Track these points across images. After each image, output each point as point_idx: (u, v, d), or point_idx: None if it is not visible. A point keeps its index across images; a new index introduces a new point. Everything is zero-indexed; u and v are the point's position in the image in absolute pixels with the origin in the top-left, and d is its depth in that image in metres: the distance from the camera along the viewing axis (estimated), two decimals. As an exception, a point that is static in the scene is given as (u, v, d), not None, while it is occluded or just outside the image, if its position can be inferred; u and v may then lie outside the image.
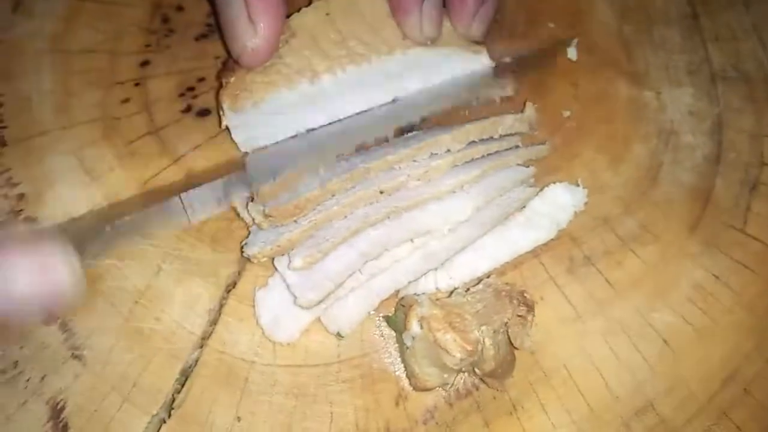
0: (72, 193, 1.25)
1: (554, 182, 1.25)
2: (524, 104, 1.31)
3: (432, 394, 1.14)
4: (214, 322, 1.17)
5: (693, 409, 1.14)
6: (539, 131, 1.35)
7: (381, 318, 1.18)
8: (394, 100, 1.29)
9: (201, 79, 1.36)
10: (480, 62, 1.33)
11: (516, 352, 1.12)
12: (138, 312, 1.16)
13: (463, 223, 1.20)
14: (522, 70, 1.39)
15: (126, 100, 1.34)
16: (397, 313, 1.13)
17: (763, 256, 1.25)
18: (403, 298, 1.14)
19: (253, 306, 1.16)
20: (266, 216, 1.13)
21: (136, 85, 1.35)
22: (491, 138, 1.26)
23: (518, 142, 1.30)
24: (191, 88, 1.36)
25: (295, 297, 1.11)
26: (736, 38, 1.46)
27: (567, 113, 1.37)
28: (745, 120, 1.37)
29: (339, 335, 1.15)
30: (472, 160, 1.22)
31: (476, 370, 1.06)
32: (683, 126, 1.36)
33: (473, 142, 1.22)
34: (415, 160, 1.18)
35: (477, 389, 1.14)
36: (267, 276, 1.18)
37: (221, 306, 1.17)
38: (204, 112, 1.32)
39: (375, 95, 1.28)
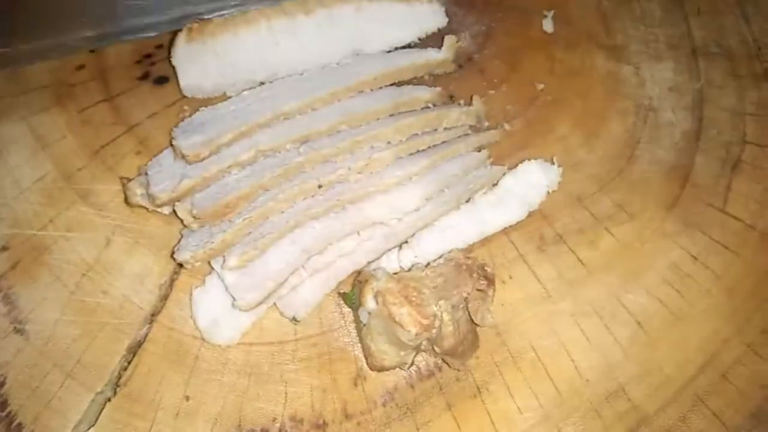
0: (21, 160, 1.20)
1: (527, 158, 1.21)
2: (470, 98, 1.27)
3: (392, 375, 1.09)
4: (164, 298, 1.12)
5: (667, 395, 1.09)
6: (511, 106, 1.30)
7: (339, 295, 1.12)
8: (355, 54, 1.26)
9: (159, 46, 1.31)
10: (432, 13, 1.29)
11: (481, 331, 1.07)
12: (85, 285, 1.11)
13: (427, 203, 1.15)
14: (495, 40, 1.34)
15: (80, 67, 1.29)
16: (354, 289, 1.08)
17: (744, 236, 1.20)
18: (360, 273, 1.08)
19: (191, 306, 1.10)
20: (195, 217, 1.07)
21: (92, 51, 1.30)
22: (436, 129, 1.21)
23: (467, 129, 1.26)
24: (149, 55, 1.31)
25: (234, 299, 1.04)
26: (719, 12, 1.42)
27: (541, 86, 1.32)
28: (726, 97, 1.33)
29: (294, 320, 1.10)
30: (418, 151, 1.18)
31: (435, 348, 1.01)
32: (663, 102, 1.32)
33: (416, 134, 1.18)
34: (352, 153, 1.13)
35: (439, 370, 1.09)
36: (204, 274, 1.12)
37: (172, 281, 1.12)
38: (161, 80, 1.27)
39: (330, 47, 1.25)
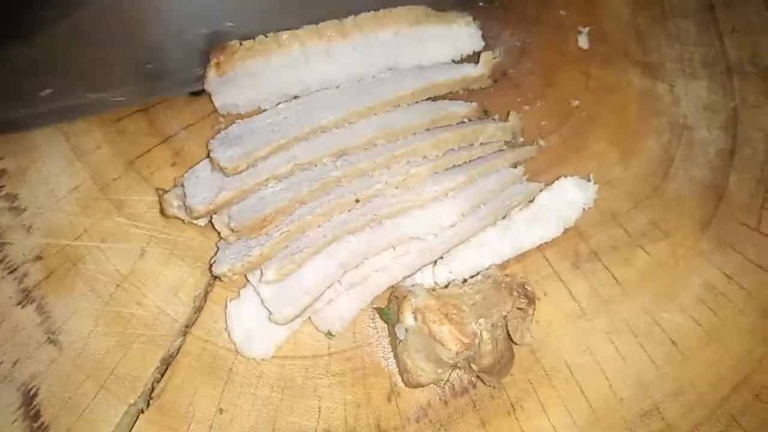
0: (56, 169, 1.20)
1: (562, 174, 1.20)
2: (507, 113, 1.26)
3: (426, 391, 1.08)
4: (198, 310, 1.12)
5: (701, 415, 1.09)
6: (546, 122, 1.30)
7: (374, 309, 1.12)
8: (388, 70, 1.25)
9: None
10: (469, 36, 1.29)
11: (515, 349, 1.07)
12: (119, 296, 1.11)
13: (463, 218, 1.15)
14: (530, 56, 1.35)
15: (117, 77, 1.28)
16: (390, 304, 1.08)
17: (779, 256, 1.19)
18: (396, 289, 1.08)
19: (225, 318, 1.10)
20: (232, 230, 1.06)
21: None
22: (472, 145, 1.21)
23: (503, 145, 1.25)
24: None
25: (270, 313, 1.03)
26: (753, 31, 1.41)
27: (576, 103, 1.32)
28: (761, 116, 1.32)
29: (329, 334, 1.09)
30: (455, 166, 1.18)
31: (472, 365, 1.00)
32: (697, 120, 1.31)
33: (453, 149, 1.18)
34: (389, 168, 1.13)
35: (473, 387, 1.09)
36: (239, 286, 1.12)
37: (207, 293, 1.12)
38: (197, 92, 1.26)
39: (366, 65, 1.24)
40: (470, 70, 1.25)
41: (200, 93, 1.25)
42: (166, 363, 1.08)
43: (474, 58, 1.29)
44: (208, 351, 1.09)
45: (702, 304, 1.15)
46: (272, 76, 1.20)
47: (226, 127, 1.17)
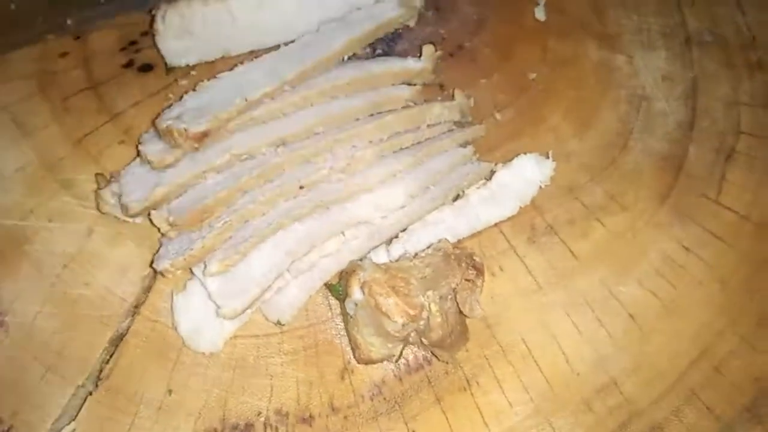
0: (2, 149, 1.17)
1: (518, 148, 1.19)
2: (452, 92, 1.24)
3: (380, 368, 1.07)
4: (147, 290, 1.10)
5: (660, 389, 1.08)
6: (502, 95, 1.28)
7: (325, 286, 1.10)
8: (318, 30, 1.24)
9: (144, 33, 1.29)
10: None
11: (471, 324, 1.05)
12: (66, 276, 1.09)
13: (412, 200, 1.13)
14: (487, 29, 1.33)
15: (64, 54, 1.27)
16: (341, 281, 1.05)
17: (738, 227, 1.18)
18: (348, 264, 1.06)
19: (172, 308, 1.07)
20: (172, 224, 1.04)
21: (77, 38, 1.28)
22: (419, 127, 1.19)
23: (452, 125, 1.23)
24: (133, 42, 1.29)
25: (218, 307, 1.01)
26: (713, 2, 1.40)
27: (533, 75, 1.30)
28: (720, 86, 1.31)
29: (279, 323, 1.07)
30: (402, 149, 1.15)
31: (423, 340, 0.99)
32: (656, 91, 1.30)
33: (399, 132, 1.16)
34: (332, 153, 1.11)
35: (429, 363, 1.07)
36: (186, 278, 1.09)
37: (156, 272, 1.09)
38: (146, 68, 1.25)
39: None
40: (411, 64, 1.22)
41: (149, 69, 1.23)
42: (115, 344, 1.05)
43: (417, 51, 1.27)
44: (157, 331, 1.07)
45: (660, 277, 1.14)
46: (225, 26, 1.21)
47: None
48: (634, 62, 1.33)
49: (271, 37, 1.24)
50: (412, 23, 1.29)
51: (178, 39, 1.20)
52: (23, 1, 1.20)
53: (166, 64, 1.23)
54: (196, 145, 1.04)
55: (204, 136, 1.04)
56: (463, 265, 0.98)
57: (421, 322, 0.94)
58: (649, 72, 1.32)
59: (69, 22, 1.27)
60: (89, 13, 1.26)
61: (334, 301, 1.10)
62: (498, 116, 1.26)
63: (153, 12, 1.18)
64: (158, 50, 1.21)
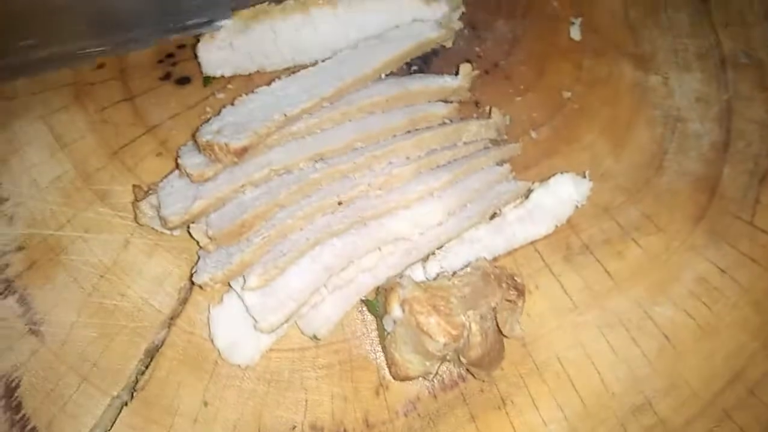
0: (39, 159, 1.18)
1: (553, 166, 1.19)
2: (489, 110, 1.24)
3: (415, 385, 1.06)
4: (184, 301, 1.10)
5: (694, 410, 1.07)
6: (537, 114, 1.28)
7: (362, 302, 1.10)
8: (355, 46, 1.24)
9: (181, 46, 1.30)
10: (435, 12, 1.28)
11: (506, 342, 1.05)
12: (102, 287, 1.09)
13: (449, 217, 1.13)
14: (522, 47, 1.33)
15: (101, 66, 1.28)
16: (378, 297, 1.06)
17: (772, 249, 1.18)
18: (385, 281, 1.06)
19: (208, 320, 1.07)
20: (211, 238, 1.04)
21: (114, 51, 1.29)
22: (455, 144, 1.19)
23: (488, 143, 1.23)
24: (171, 55, 1.29)
25: (255, 321, 1.01)
26: (747, 24, 1.40)
27: (568, 94, 1.31)
28: (755, 108, 1.31)
29: (315, 338, 1.07)
30: (439, 166, 1.16)
31: (461, 358, 0.98)
32: (690, 113, 1.30)
33: (436, 149, 1.16)
34: (370, 169, 1.11)
35: (463, 380, 1.07)
36: (222, 291, 1.09)
37: (192, 284, 1.09)
38: (183, 80, 1.26)
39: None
40: (448, 81, 1.23)
41: (186, 81, 1.23)
42: (150, 355, 1.06)
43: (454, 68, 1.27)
44: (193, 343, 1.07)
45: (695, 299, 1.14)
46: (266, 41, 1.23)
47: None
48: (668, 83, 1.33)
49: (310, 54, 1.25)
50: (449, 44, 1.29)
51: (219, 50, 1.21)
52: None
53: (203, 74, 1.23)
54: (236, 160, 1.05)
55: (244, 150, 1.04)
56: (504, 285, 0.97)
57: (462, 341, 0.94)
58: (684, 93, 1.32)
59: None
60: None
61: (369, 317, 1.10)
62: (533, 134, 1.26)
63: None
64: (196, 58, 1.22)
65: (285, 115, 1.07)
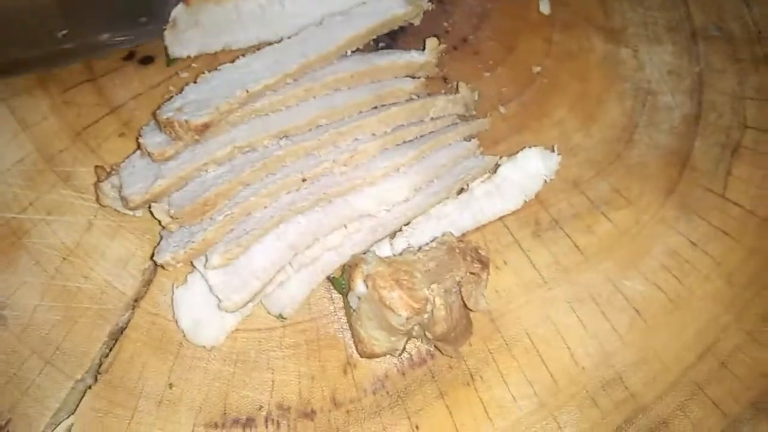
0: (1, 142, 1.16)
1: (522, 142, 1.18)
2: (457, 85, 1.22)
3: (383, 363, 1.06)
4: (148, 283, 1.08)
5: (665, 384, 1.07)
6: (506, 89, 1.27)
7: (327, 279, 1.09)
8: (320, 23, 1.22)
9: (144, 25, 1.27)
10: None
11: (474, 318, 1.04)
12: (65, 269, 1.08)
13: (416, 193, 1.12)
14: (491, 22, 1.32)
15: (64, 47, 1.25)
16: (344, 274, 1.04)
17: (744, 222, 1.17)
18: (351, 257, 1.05)
19: (172, 300, 1.06)
20: (173, 217, 1.02)
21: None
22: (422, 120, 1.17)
23: (455, 119, 1.21)
24: (134, 35, 1.26)
25: (219, 300, 0.99)
26: (719, -6, 1.38)
27: (538, 69, 1.29)
28: (727, 80, 1.30)
29: (281, 317, 1.06)
30: (405, 142, 1.14)
31: (427, 333, 0.97)
32: (661, 85, 1.29)
33: (402, 125, 1.14)
34: (335, 145, 1.09)
35: (432, 357, 1.06)
36: (186, 270, 1.07)
37: (156, 265, 1.08)
38: (147, 60, 1.24)
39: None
40: (415, 57, 1.20)
41: (150, 61, 1.21)
42: (114, 337, 1.04)
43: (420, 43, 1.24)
44: (158, 325, 1.05)
45: (666, 272, 1.13)
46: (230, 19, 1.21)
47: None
48: (639, 56, 1.32)
49: (274, 31, 1.22)
50: (417, 21, 1.27)
51: (183, 31, 1.19)
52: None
53: (168, 55, 1.21)
54: (197, 137, 1.03)
55: (205, 127, 1.03)
56: (468, 258, 0.96)
57: (426, 316, 0.93)
58: (655, 66, 1.31)
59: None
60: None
61: (336, 295, 1.09)
62: (502, 110, 1.25)
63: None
64: (163, 40, 1.20)
65: (247, 92, 1.05)
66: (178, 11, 1.16)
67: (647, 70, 1.30)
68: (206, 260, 1.00)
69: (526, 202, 1.15)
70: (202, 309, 1.04)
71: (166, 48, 1.21)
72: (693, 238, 1.15)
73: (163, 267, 1.01)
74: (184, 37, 1.20)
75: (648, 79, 1.30)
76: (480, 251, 0.98)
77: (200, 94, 1.08)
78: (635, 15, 1.36)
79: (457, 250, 0.98)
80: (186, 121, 1.02)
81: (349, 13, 1.21)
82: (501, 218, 1.15)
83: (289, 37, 1.18)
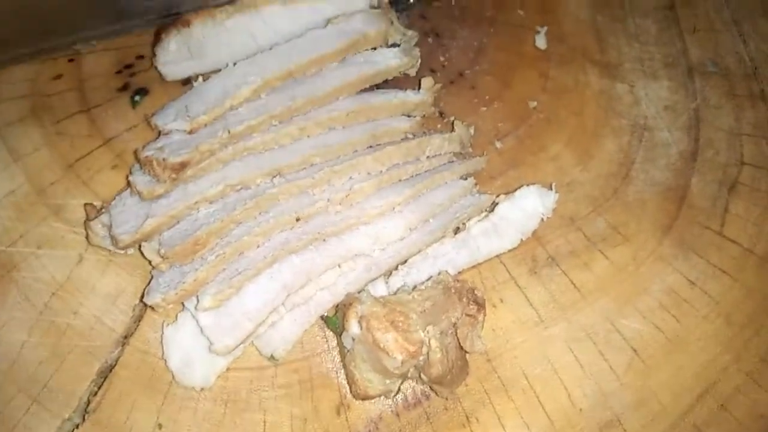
0: (-9, 173, 1.14)
1: (519, 177, 1.18)
2: (452, 123, 1.21)
3: (377, 404, 1.04)
4: (138, 319, 1.07)
5: (664, 426, 1.05)
6: (503, 124, 1.26)
7: (321, 318, 1.07)
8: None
9: (140, 57, 1.26)
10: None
11: (470, 358, 1.03)
12: (54, 305, 1.06)
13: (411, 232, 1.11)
14: (487, 56, 1.32)
15: (58, 77, 1.24)
16: (338, 313, 1.03)
17: (742, 260, 1.16)
18: (345, 296, 1.03)
19: (162, 339, 1.04)
20: (163, 257, 1.01)
21: (70, 60, 1.25)
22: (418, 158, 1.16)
23: (452, 157, 1.20)
24: (129, 65, 1.26)
25: (210, 343, 0.98)
26: (715, 30, 1.39)
27: (534, 104, 1.28)
28: (723, 117, 1.29)
29: (273, 358, 1.04)
30: (401, 180, 1.13)
31: (422, 375, 0.96)
32: (658, 121, 1.28)
33: (398, 164, 1.13)
34: (330, 184, 1.08)
35: (427, 398, 1.04)
36: (177, 310, 1.05)
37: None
38: (141, 92, 1.22)
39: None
40: (410, 96, 1.19)
41: (144, 93, 1.21)
42: (103, 375, 1.02)
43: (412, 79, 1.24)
44: (148, 363, 1.04)
45: (664, 311, 1.12)
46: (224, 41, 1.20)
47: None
48: (635, 91, 1.31)
49: (263, 65, 1.20)
50: (412, 72, 1.26)
51: (177, 56, 1.18)
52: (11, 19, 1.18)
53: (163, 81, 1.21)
54: (174, 176, 1.02)
55: (182, 166, 1.02)
56: (464, 299, 0.95)
57: (421, 358, 0.91)
58: (651, 101, 1.30)
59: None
60: (84, 34, 1.24)
61: (330, 334, 1.07)
62: (498, 145, 1.24)
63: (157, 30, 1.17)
64: (155, 67, 1.20)
65: (229, 132, 1.04)
66: (171, 35, 1.16)
67: (643, 106, 1.30)
68: (197, 301, 0.98)
69: (522, 240, 1.13)
70: (192, 349, 1.02)
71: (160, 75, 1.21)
72: (691, 277, 1.14)
73: (153, 308, 0.99)
74: (177, 63, 1.19)
75: (644, 114, 1.29)
76: (476, 292, 0.97)
77: (184, 134, 1.07)
78: (631, 50, 1.36)
79: (454, 291, 0.97)
80: (164, 160, 1.01)
81: (344, 62, 1.19)
82: (497, 256, 1.13)
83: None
